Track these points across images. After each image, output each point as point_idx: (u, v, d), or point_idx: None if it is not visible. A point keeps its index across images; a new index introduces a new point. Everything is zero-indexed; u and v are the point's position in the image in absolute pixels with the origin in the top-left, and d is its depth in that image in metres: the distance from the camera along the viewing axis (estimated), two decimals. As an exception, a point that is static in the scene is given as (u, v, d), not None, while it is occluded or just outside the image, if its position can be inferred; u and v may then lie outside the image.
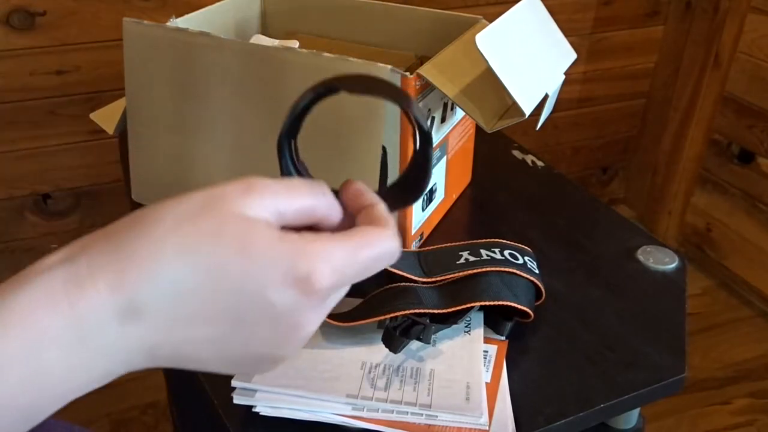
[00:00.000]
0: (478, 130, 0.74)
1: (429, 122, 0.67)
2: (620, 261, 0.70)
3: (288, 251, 0.32)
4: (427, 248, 0.66)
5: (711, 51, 1.58)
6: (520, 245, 0.64)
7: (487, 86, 0.62)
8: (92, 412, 1.28)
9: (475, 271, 0.60)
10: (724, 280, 1.66)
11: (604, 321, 0.62)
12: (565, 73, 0.69)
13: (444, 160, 0.73)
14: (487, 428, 0.51)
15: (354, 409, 0.52)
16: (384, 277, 0.61)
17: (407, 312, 0.56)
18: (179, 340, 0.32)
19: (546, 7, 0.70)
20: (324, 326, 0.59)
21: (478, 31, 0.57)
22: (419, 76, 0.60)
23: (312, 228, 0.36)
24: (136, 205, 0.76)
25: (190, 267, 0.31)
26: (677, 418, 1.33)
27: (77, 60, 1.19)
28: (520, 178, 0.85)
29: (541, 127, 0.65)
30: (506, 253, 0.62)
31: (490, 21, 0.62)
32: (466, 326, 0.60)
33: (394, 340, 0.55)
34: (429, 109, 0.66)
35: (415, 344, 0.57)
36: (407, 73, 0.60)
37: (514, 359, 0.58)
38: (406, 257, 0.64)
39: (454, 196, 0.79)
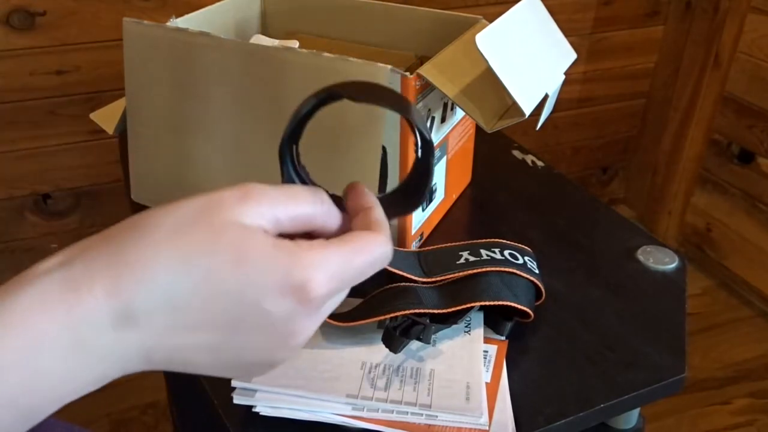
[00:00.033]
0: (478, 130, 0.74)
1: (429, 122, 0.67)
2: (620, 261, 0.70)
3: (283, 260, 0.32)
4: (427, 248, 0.66)
5: (711, 51, 1.58)
6: (520, 245, 0.64)
7: (487, 86, 0.62)
8: (92, 412, 1.28)
9: (475, 271, 0.60)
10: (724, 280, 1.66)
11: (604, 321, 0.62)
12: (565, 73, 0.69)
13: (444, 160, 0.73)
14: (487, 428, 0.51)
15: (354, 409, 0.52)
16: (384, 277, 0.61)
17: (407, 312, 0.56)
18: (175, 346, 0.32)
19: (546, 7, 0.70)
20: (324, 326, 0.59)
21: (478, 31, 0.57)
22: (419, 76, 0.60)
23: (308, 234, 0.36)
24: (136, 206, 0.76)
25: (187, 275, 0.31)
26: (677, 418, 1.33)
27: (77, 60, 1.19)
28: (520, 178, 0.85)
29: (541, 127, 0.65)
30: (506, 253, 0.62)
31: (490, 21, 0.62)
32: (466, 326, 0.60)
33: (394, 340, 0.55)
34: (429, 109, 0.66)
35: (415, 344, 0.57)
36: (407, 73, 0.60)
37: (514, 359, 0.58)
38: (406, 257, 0.64)
39: (454, 196, 0.79)
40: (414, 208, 0.42)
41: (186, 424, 0.99)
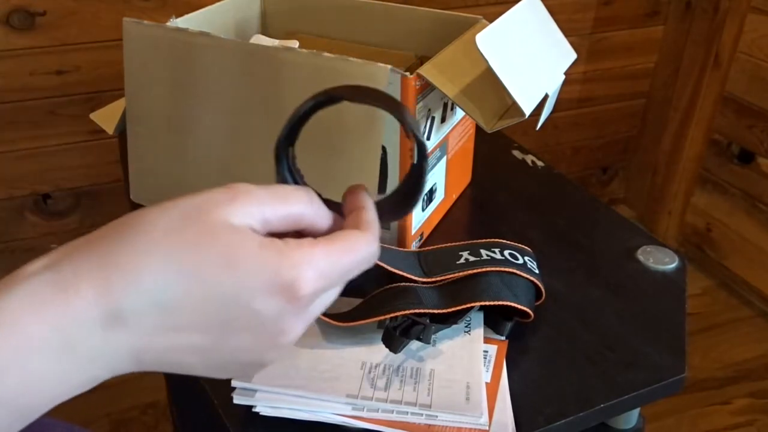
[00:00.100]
0: (478, 130, 0.74)
1: (429, 122, 0.67)
2: (620, 261, 0.70)
3: (272, 259, 0.32)
4: (427, 248, 0.66)
5: (711, 51, 1.58)
6: (520, 245, 0.64)
7: (487, 86, 0.62)
8: (92, 412, 1.28)
9: (475, 271, 0.60)
10: (724, 280, 1.66)
11: (604, 321, 0.62)
12: (565, 73, 0.69)
13: (444, 160, 0.73)
14: (487, 428, 0.51)
15: (354, 409, 0.52)
16: (384, 277, 0.61)
17: (407, 312, 0.56)
18: (164, 347, 0.32)
19: (546, 7, 0.70)
20: (324, 326, 0.59)
21: (478, 31, 0.57)
22: (419, 76, 0.60)
23: (298, 234, 0.36)
24: (136, 206, 0.76)
25: (175, 277, 0.31)
26: (677, 418, 1.33)
27: (77, 60, 1.19)
28: (520, 178, 0.85)
29: (541, 127, 0.65)
30: (506, 253, 0.62)
31: (490, 21, 0.62)
32: (466, 326, 0.60)
33: (394, 340, 0.55)
34: (429, 109, 0.66)
35: (415, 344, 0.57)
36: (407, 73, 0.60)
37: (514, 359, 0.58)
38: (406, 257, 0.64)
39: (454, 196, 0.79)
40: (409, 210, 0.43)
41: (186, 424, 0.99)
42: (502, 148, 0.92)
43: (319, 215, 0.37)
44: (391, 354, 0.56)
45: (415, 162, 0.40)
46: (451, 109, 0.71)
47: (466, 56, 0.64)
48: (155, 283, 0.31)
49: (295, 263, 0.33)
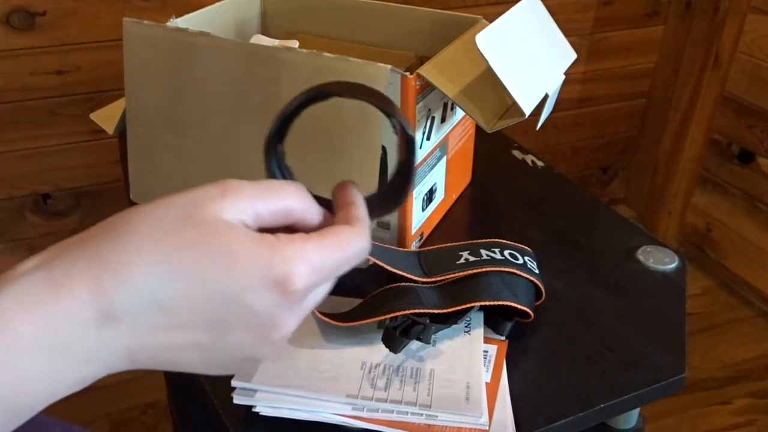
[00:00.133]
0: (478, 130, 0.74)
1: (429, 122, 0.67)
2: (620, 261, 0.70)
3: (264, 254, 0.32)
4: (427, 248, 0.66)
5: (711, 51, 1.58)
6: (520, 245, 0.64)
7: (487, 86, 0.62)
8: (92, 412, 1.28)
9: (475, 271, 0.60)
10: (724, 280, 1.66)
11: (604, 321, 0.62)
12: (565, 73, 0.69)
13: (444, 160, 0.73)
14: (487, 428, 0.51)
15: (354, 409, 0.52)
16: (384, 277, 0.61)
17: (407, 312, 0.56)
18: (158, 345, 0.33)
19: (546, 7, 0.70)
20: (324, 326, 0.59)
21: (478, 31, 0.57)
22: (419, 76, 0.60)
23: (289, 228, 0.36)
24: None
25: (168, 274, 0.31)
26: (677, 418, 1.33)
27: (77, 60, 1.19)
28: (520, 178, 0.85)
29: (541, 127, 0.65)
30: (506, 253, 0.62)
31: (490, 21, 0.62)
32: (466, 326, 0.60)
33: (394, 340, 0.55)
34: (429, 109, 0.66)
35: (415, 344, 0.57)
36: (407, 73, 0.60)
37: (514, 359, 0.58)
38: (406, 257, 0.64)
39: (454, 196, 0.79)
40: (398, 204, 0.43)
41: (186, 424, 0.99)
42: (502, 148, 0.92)
43: (309, 210, 0.37)
44: (391, 354, 0.56)
45: (404, 157, 0.40)
46: (451, 109, 0.71)
47: (466, 56, 0.64)
48: (146, 282, 0.31)
49: (287, 258, 0.33)
